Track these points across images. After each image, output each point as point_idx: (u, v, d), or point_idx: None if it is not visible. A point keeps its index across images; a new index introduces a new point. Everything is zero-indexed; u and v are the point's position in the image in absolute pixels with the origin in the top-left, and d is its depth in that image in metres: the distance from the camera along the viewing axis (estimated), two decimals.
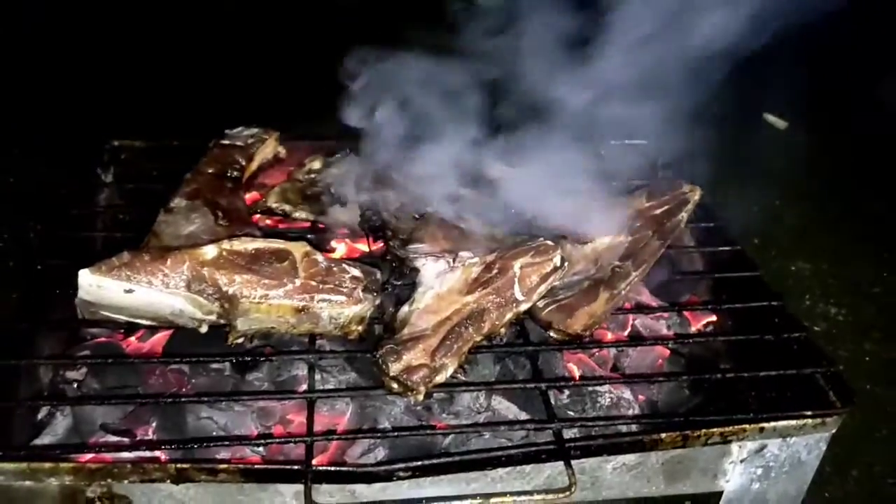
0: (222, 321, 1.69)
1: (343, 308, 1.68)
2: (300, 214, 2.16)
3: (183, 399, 1.73)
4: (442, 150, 2.22)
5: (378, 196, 2.09)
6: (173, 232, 1.89)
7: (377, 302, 1.74)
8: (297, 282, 1.67)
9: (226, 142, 2.22)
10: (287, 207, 2.16)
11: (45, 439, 1.78)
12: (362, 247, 2.16)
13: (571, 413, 1.91)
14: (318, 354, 1.78)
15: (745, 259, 2.14)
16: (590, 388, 1.93)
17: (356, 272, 1.73)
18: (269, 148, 2.27)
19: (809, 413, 1.71)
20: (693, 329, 2.22)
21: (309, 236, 2.07)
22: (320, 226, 2.17)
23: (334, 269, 1.71)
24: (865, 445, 2.35)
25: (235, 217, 1.96)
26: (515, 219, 2.08)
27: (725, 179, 2.21)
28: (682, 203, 2.06)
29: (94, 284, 1.58)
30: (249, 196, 2.21)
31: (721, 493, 1.83)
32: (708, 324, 2.24)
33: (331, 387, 1.82)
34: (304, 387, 1.78)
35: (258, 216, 2.16)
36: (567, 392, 1.95)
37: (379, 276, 1.77)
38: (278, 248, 1.71)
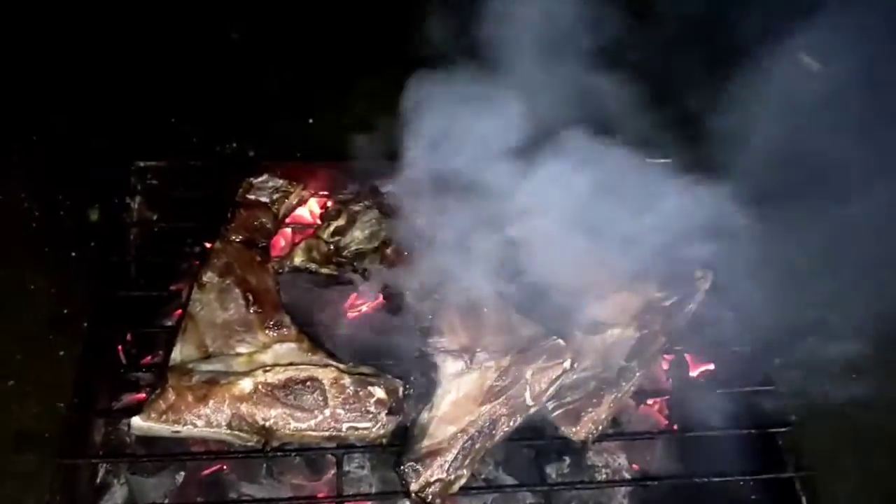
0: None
1: (369, 433, 1.86)
2: (326, 271, 2.26)
3: None
4: (461, 219, 2.26)
5: (399, 271, 2.16)
6: (209, 318, 2.02)
7: (400, 419, 1.91)
8: (327, 412, 1.83)
9: (251, 197, 2.25)
10: (313, 266, 2.24)
11: None
12: None
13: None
14: (345, 450, 1.98)
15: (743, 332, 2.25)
16: (588, 464, 2.15)
17: (381, 394, 1.88)
18: (294, 199, 2.31)
19: None
20: (691, 374, 2.39)
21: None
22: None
23: (360, 393, 1.86)
24: None
25: (267, 300, 2.06)
26: (533, 294, 2.17)
27: None
28: (692, 293, 2.14)
29: (144, 428, 1.75)
30: (276, 248, 2.30)
31: None
32: (705, 371, 2.40)
33: (357, 471, 2.05)
34: (334, 471, 2.01)
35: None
36: (567, 461, 2.17)
37: (401, 391, 1.91)
38: (308, 375, 1.85)
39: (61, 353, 2.54)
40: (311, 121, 3.01)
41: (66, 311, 2.61)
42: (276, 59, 3.24)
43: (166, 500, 2.06)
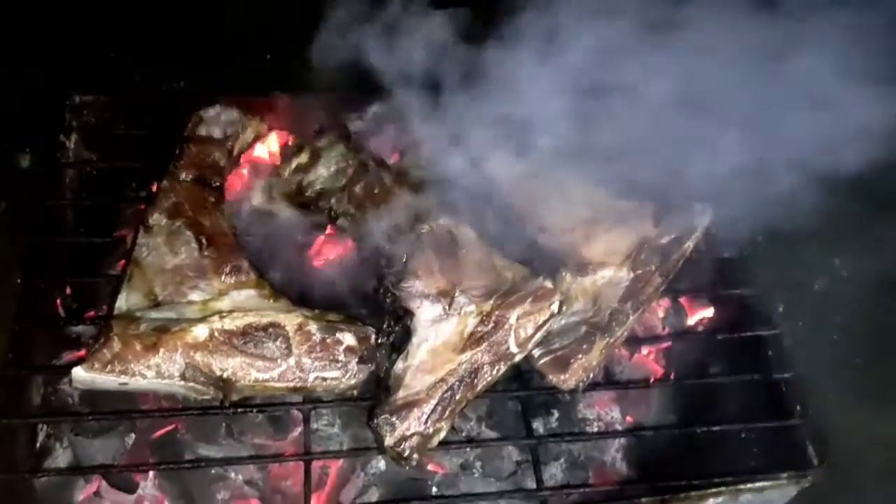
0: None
1: (338, 383, 1.67)
2: (288, 212, 2.05)
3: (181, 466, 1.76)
4: (435, 150, 2.06)
5: (369, 210, 1.96)
6: (157, 263, 1.81)
7: (372, 368, 1.72)
8: (291, 360, 1.64)
9: (202, 133, 2.02)
10: (274, 207, 2.04)
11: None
12: None
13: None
14: (313, 405, 1.80)
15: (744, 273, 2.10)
16: (579, 417, 1.99)
17: (351, 341, 1.69)
18: (250, 134, 2.09)
19: (785, 475, 1.79)
20: (689, 322, 2.24)
21: None
22: None
23: (328, 340, 1.67)
24: None
25: (222, 244, 1.85)
26: (517, 234, 1.99)
27: None
28: (690, 229, 1.97)
29: (87, 381, 1.55)
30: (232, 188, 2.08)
31: None
32: (703, 319, 2.25)
33: (326, 428, 1.86)
34: (300, 429, 1.81)
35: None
36: (556, 414, 2.01)
37: (373, 339, 1.73)
38: (270, 322, 1.66)
39: None
40: (268, 56, 2.77)
41: None
42: None
43: (116, 463, 1.85)
